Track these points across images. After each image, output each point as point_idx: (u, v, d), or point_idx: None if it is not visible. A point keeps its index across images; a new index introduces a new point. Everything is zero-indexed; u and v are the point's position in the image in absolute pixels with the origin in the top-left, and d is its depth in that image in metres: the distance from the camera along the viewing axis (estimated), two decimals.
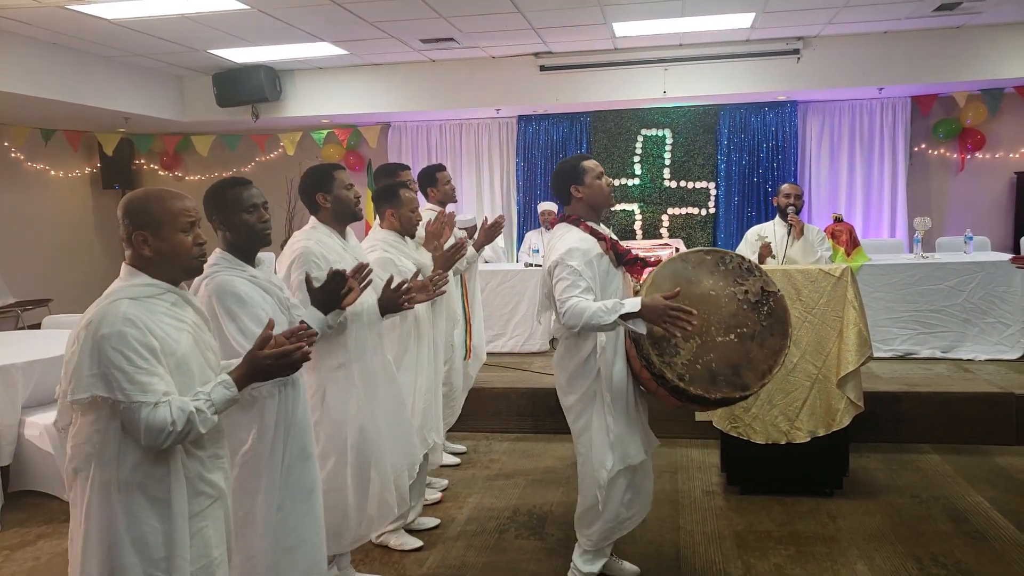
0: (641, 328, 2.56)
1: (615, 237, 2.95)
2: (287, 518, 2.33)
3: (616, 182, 8.38)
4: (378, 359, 2.96)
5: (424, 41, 6.72)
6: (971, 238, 6.40)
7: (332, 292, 2.53)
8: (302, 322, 2.23)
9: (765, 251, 4.59)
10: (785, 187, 4.76)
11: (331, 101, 7.91)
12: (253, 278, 2.36)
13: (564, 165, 2.94)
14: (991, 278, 5.55)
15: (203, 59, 7.03)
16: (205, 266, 2.14)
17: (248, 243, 2.37)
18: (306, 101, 7.93)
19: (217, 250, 2.38)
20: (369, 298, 2.89)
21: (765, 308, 2.70)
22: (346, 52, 7.02)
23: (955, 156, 7.99)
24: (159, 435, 1.76)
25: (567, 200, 2.92)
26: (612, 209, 7.54)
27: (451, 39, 6.64)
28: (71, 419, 1.87)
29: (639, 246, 7.53)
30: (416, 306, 3.07)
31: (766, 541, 3.41)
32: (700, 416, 4.51)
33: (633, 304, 2.56)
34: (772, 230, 4.72)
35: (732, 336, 2.66)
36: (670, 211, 8.34)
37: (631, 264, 2.87)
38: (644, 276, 2.88)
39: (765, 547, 3.36)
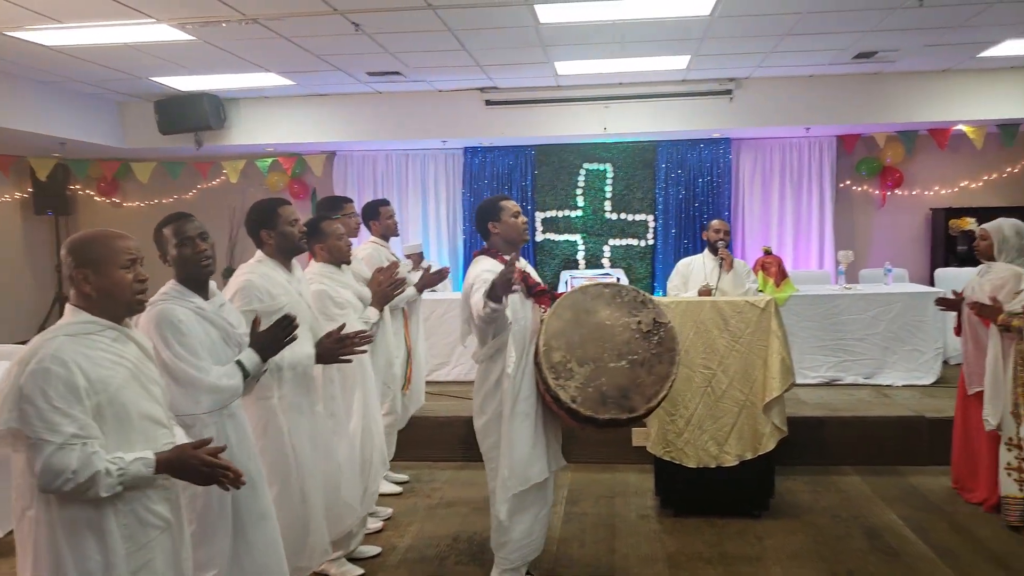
0: (500, 304, 2.77)
1: (528, 271, 3.16)
2: (242, 544, 2.37)
3: (560, 213, 8.62)
4: (308, 410, 2.97)
5: (370, 74, 6.84)
6: (890, 270, 6.79)
7: (275, 337, 2.52)
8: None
9: (704, 292, 4.80)
10: (714, 223, 5.00)
11: (276, 130, 7.93)
12: (199, 309, 2.42)
13: (485, 203, 3.20)
14: (908, 308, 5.91)
15: (145, 86, 7.00)
16: (156, 295, 2.20)
17: (188, 276, 2.44)
18: (251, 129, 7.93)
19: (171, 281, 2.46)
20: (306, 347, 2.89)
21: (656, 338, 2.92)
22: (292, 83, 7.08)
23: (877, 192, 8.46)
24: (55, 478, 1.78)
25: (486, 235, 3.18)
26: (556, 240, 7.68)
27: (397, 72, 6.78)
28: (12, 448, 1.89)
29: (582, 276, 7.75)
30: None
31: (697, 562, 3.56)
32: (637, 442, 4.68)
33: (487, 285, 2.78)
34: (701, 262, 4.94)
35: (624, 362, 2.87)
36: (611, 242, 8.59)
37: (539, 295, 3.11)
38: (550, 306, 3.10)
39: (696, 568, 3.50)
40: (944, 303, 4.33)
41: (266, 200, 3.06)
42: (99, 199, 9.29)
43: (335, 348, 2.88)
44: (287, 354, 2.67)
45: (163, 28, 5.10)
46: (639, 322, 2.95)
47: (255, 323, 2.57)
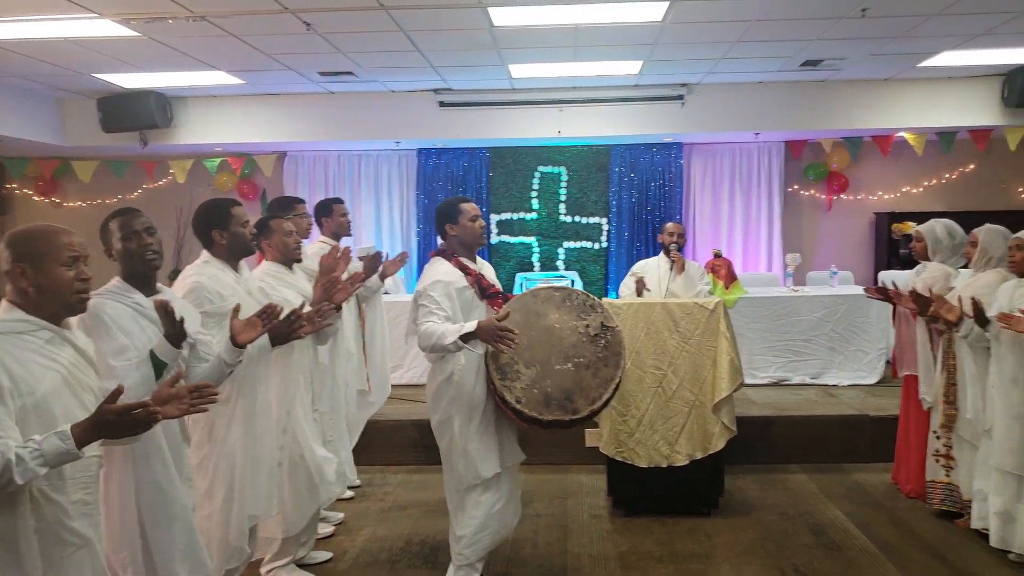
0: (479, 348, 2.85)
1: (483, 273, 3.17)
2: (151, 544, 2.31)
3: (515, 216, 8.64)
4: (261, 396, 2.94)
5: (322, 74, 6.76)
6: (836, 273, 6.98)
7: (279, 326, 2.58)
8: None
9: (640, 285, 4.87)
10: (668, 226, 5.06)
11: (225, 129, 7.78)
12: (137, 306, 2.36)
13: (445, 204, 3.21)
14: (853, 310, 6.07)
15: (87, 82, 6.79)
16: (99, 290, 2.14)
17: (134, 270, 2.38)
18: (199, 128, 7.76)
19: (116, 277, 2.40)
20: (260, 340, 2.86)
21: (603, 341, 2.96)
22: (242, 81, 6.96)
23: (823, 197, 8.68)
24: None
25: (443, 236, 3.19)
26: (511, 242, 7.68)
27: (350, 73, 6.71)
28: None
29: (537, 278, 7.79)
30: (307, 353, 3.13)
31: (647, 561, 3.60)
32: (590, 443, 4.72)
33: (470, 325, 2.83)
34: (656, 265, 5.00)
35: (569, 365, 2.92)
36: (566, 244, 8.64)
37: (492, 297, 3.13)
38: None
39: (647, 566, 3.54)
40: (873, 292, 4.40)
41: (217, 200, 3.01)
42: (38, 199, 8.98)
43: (285, 326, 2.84)
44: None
45: (106, 23, 4.95)
46: (587, 326, 2.99)
47: (235, 313, 2.57)
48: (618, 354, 2.99)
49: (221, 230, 2.91)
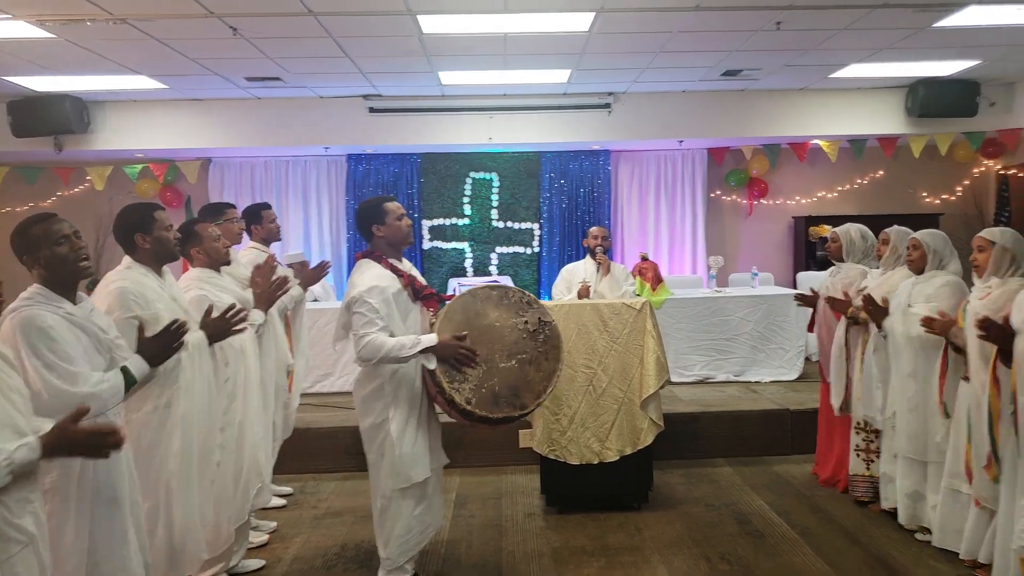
0: (432, 363, 2.86)
1: (413, 274, 3.18)
2: (99, 565, 2.25)
3: (447, 221, 8.68)
4: (205, 397, 2.91)
5: (249, 79, 6.66)
6: (757, 274, 7.26)
7: (165, 343, 2.50)
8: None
9: (583, 291, 4.97)
10: (593, 230, 5.19)
11: (147, 135, 7.57)
12: (69, 315, 2.30)
13: (368, 204, 3.16)
14: (773, 310, 6.34)
15: None
16: (17, 300, 2.08)
17: (65, 277, 2.33)
18: (118, 134, 7.53)
19: (34, 284, 2.32)
20: (193, 335, 2.85)
21: (542, 336, 3.04)
22: (165, 86, 6.79)
23: (744, 202, 9.03)
24: None
25: (369, 237, 3.13)
26: (444, 247, 7.68)
27: (277, 78, 6.63)
28: None
29: (471, 283, 7.82)
30: (243, 356, 3.12)
31: (580, 555, 3.69)
32: (523, 443, 4.79)
33: (430, 340, 2.85)
34: (583, 268, 5.12)
35: (513, 362, 2.98)
36: (498, 250, 8.72)
37: (427, 299, 3.13)
38: (439, 309, 3.15)
39: (579, 560, 3.63)
40: (802, 299, 4.71)
41: (140, 203, 2.98)
42: None
43: (223, 323, 2.84)
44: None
45: (20, 24, 4.78)
46: (526, 322, 3.04)
47: (140, 330, 2.49)
48: (557, 347, 3.06)
49: (144, 234, 2.86)
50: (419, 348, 2.83)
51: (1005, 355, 2.87)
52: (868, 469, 4.18)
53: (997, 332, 2.83)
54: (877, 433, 4.08)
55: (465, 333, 2.94)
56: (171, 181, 8.56)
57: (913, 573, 3.41)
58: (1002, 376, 2.92)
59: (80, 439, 1.87)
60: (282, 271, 4.08)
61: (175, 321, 2.50)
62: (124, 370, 2.38)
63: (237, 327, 2.94)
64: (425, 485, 3.12)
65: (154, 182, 8.46)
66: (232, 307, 2.95)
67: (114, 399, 2.33)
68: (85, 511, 2.24)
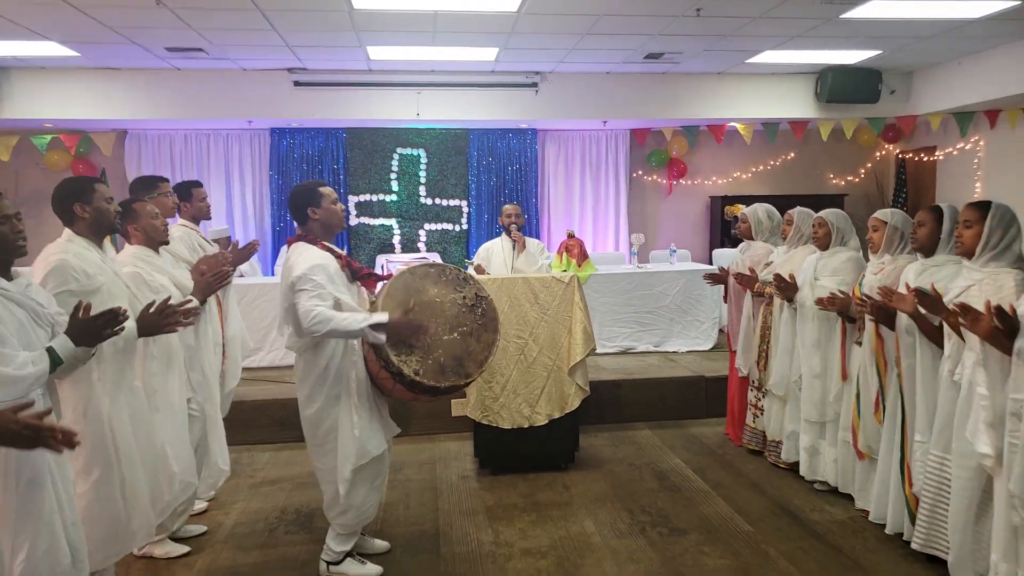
0: (382, 338, 2.93)
1: (346, 256, 3.28)
2: (27, 548, 2.21)
3: (374, 197, 8.69)
4: (127, 386, 2.90)
5: (170, 50, 6.51)
6: (675, 251, 7.62)
7: (94, 328, 2.38)
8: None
9: (479, 271, 5.15)
10: (507, 208, 5.33)
11: (57, 104, 7.29)
12: (3, 291, 2.29)
13: (302, 188, 3.20)
14: (690, 284, 6.68)
15: None
16: None
17: (1, 256, 2.31)
18: (26, 103, 7.22)
19: None
20: (127, 323, 2.73)
21: (479, 310, 3.20)
22: (76, 54, 6.55)
23: (664, 182, 9.39)
24: None
25: (303, 220, 3.17)
26: (371, 224, 7.72)
27: (200, 49, 6.50)
28: None
29: (399, 259, 7.89)
30: (173, 337, 3.14)
31: (512, 511, 3.90)
32: (456, 412, 4.95)
33: (381, 317, 2.93)
34: (500, 245, 5.30)
35: (455, 334, 3.13)
36: (427, 226, 8.81)
37: (366, 278, 3.22)
38: (378, 288, 3.25)
39: (512, 516, 3.84)
40: (711, 277, 5.06)
41: (80, 176, 2.95)
42: None
43: (157, 319, 2.82)
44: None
45: None
46: (464, 297, 3.18)
47: (82, 308, 2.40)
48: (494, 319, 3.22)
49: (83, 203, 2.83)
50: (369, 323, 2.90)
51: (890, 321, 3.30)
52: (753, 423, 4.63)
53: (932, 305, 2.91)
54: (765, 392, 4.46)
55: (413, 305, 3.03)
56: (83, 153, 8.26)
57: (808, 515, 3.80)
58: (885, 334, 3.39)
59: (14, 427, 1.82)
60: (210, 247, 4.07)
61: (111, 311, 2.41)
62: (50, 350, 2.32)
63: (171, 325, 2.86)
64: (381, 458, 3.21)
65: (65, 154, 8.15)
66: (168, 300, 2.87)
67: (37, 380, 2.25)
68: (11, 494, 2.19)
